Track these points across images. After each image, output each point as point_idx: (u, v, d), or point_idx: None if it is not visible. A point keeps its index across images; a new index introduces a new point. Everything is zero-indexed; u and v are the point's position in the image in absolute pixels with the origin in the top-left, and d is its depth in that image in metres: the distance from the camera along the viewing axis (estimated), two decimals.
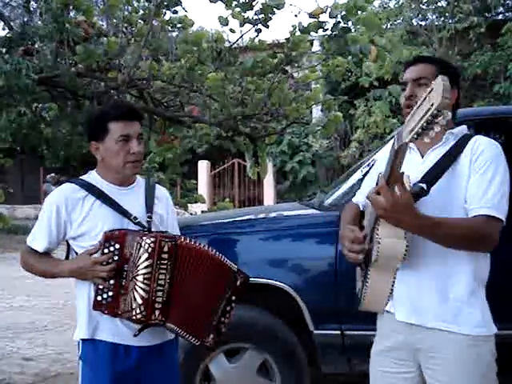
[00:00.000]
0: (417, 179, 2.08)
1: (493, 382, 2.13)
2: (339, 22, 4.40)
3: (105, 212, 2.39)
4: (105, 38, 4.57)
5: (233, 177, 19.05)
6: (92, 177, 2.49)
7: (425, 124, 1.67)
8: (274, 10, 4.34)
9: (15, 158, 5.14)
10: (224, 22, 4.48)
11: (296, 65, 4.92)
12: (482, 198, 2.04)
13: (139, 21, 4.57)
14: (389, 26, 15.07)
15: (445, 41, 14.60)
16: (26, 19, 4.50)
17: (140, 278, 2.25)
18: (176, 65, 4.65)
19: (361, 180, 3.62)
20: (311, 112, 12.46)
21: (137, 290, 2.25)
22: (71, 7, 4.11)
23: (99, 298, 2.31)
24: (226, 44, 4.72)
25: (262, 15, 4.35)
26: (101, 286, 2.30)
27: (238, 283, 2.46)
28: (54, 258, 2.50)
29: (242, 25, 4.43)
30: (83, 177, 2.50)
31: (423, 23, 15.67)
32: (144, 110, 4.68)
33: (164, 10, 4.45)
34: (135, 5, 4.60)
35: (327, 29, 4.46)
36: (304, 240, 3.60)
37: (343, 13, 4.35)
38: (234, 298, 2.46)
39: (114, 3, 4.39)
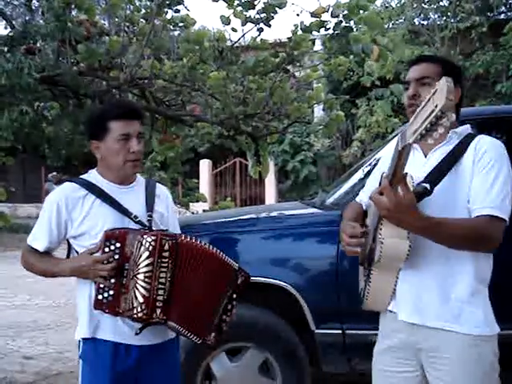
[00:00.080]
0: (420, 179, 2.08)
1: (495, 382, 2.13)
2: (341, 22, 4.39)
3: (105, 211, 2.39)
4: (107, 37, 4.57)
5: (234, 176, 19.06)
6: (92, 176, 2.49)
7: (429, 125, 1.66)
8: (276, 9, 4.33)
9: (17, 157, 5.15)
10: (226, 21, 4.48)
11: (298, 64, 4.91)
12: (485, 197, 2.04)
13: (141, 20, 4.56)
14: (391, 26, 15.06)
15: (447, 40, 14.58)
16: (27, 18, 4.51)
17: (141, 276, 2.25)
18: (178, 64, 4.65)
19: (362, 179, 3.63)
20: (313, 111, 12.45)
21: (138, 289, 2.25)
22: (73, 6, 4.11)
23: (100, 296, 2.30)
24: (228, 43, 4.71)
25: (264, 14, 4.35)
26: (102, 285, 2.30)
27: (239, 281, 2.46)
28: (55, 257, 2.49)
29: (243, 24, 4.43)
30: (83, 176, 2.50)
31: (425, 23, 15.65)
32: (146, 109, 4.68)
33: (166, 9, 4.45)
34: (137, 4, 4.60)
35: (329, 28, 4.45)
36: (306, 239, 3.60)
37: (345, 12, 4.34)
38: (235, 296, 2.46)
39: (116, 2, 4.38)
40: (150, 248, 2.25)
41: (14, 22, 4.51)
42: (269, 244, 3.66)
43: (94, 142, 2.44)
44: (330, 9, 4.36)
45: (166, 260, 2.28)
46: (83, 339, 2.40)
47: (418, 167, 2.15)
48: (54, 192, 2.47)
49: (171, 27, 4.78)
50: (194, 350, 3.36)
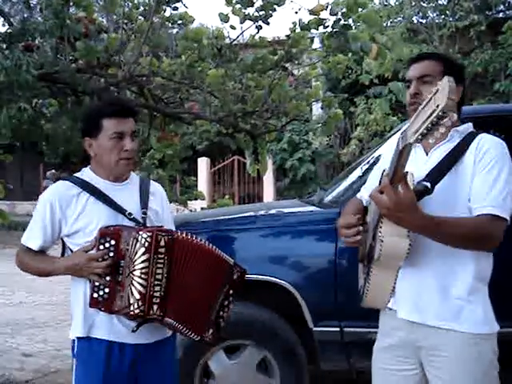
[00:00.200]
0: (421, 177, 2.08)
1: (494, 380, 2.13)
2: (340, 20, 4.39)
3: (99, 208, 2.38)
4: (105, 35, 4.56)
5: (232, 174, 19.05)
6: (86, 174, 2.49)
7: (430, 125, 1.66)
8: (275, 6, 4.33)
9: (15, 154, 5.14)
10: (224, 18, 4.48)
11: (296, 62, 4.91)
12: (487, 196, 2.04)
13: (139, 17, 4.56)
14: (389, 24, 15.06)
15: (445, 39, 14.58)
16: (26, 15, 4.49)
17: (137, 272, 2.24)
18: (176, 61, 4.64)
19: (361, 177, 3.63)
20: (311, 109, 12.46)
21: (134, 285, 2.24)
22: (71, 3, 4.10)
23: (95, 295, 2.29)
24: (227, 41, 4.71)
25: (263, 12, 4.35)
26: (97, 283, 2.29)
27: (235, 277, 2.46)
28: (49, 255, 2.49)
29: (242, 21, 4.43)
30: (77, 174, 2.49)
31: (424, 21, 15.64)
32: (144, 107, 4.68)
33: (164, 7, 4.44)
34: (135, 1, 4.59)
35: (328, 26, 4.45)
36: (304, 237, 3.60)
37: (344, 10, 4.34)
38: (231, 292, 2.46)
39: None
40: (146, 244, 2.24)
41: (12, 19, 4.50)
42: (267, 242, 3.66)
43: (87, 139, 2.44)
44: (329, 7, 4.36)
45: (162, 256, 2.27)
46: (78, 338, 2.39)
47: (419, 165, 2.15)
48: (47, 191, 2.46)
49: (170, 25, 4.77)
50: (193, 348, 3.36)
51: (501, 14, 15.60)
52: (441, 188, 2.06)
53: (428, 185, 2.04)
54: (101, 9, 4.93)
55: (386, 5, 15.95)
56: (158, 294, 2.26)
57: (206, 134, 5.26)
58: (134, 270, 2.24)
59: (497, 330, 2.13)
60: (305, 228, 3.62)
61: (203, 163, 18.96)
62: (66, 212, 2.38)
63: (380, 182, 2.00)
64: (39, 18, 4.29)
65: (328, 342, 3.46)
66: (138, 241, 2.25)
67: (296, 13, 4.54)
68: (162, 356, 2.47)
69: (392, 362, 2.22)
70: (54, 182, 2.64)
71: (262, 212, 4.35)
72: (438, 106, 1.62)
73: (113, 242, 2.29)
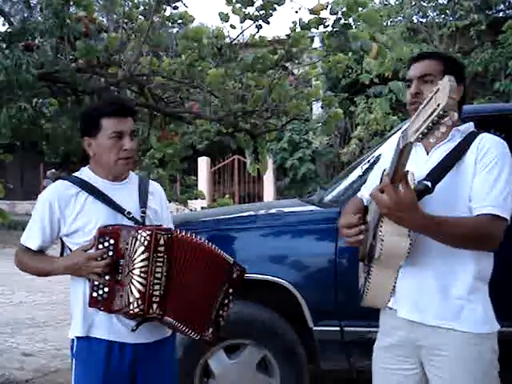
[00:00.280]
0: (421, 176, 2.08)
1: (494, 380, 2.13)
2: (340, 19, 4.39)
3: (98, 208, 2.38)
4: (105, 34, 4.56)
5: (233, 173, 19.05)
6: (84, 173, 2.48)
7: (430, 124, 1.66)
8: (275, 6, 4.33)
9: (15, 154, 5.14)
10: (224, 17, 4.48)
11: (296, 61, 4.91)
12: (487, 196, 2.03)
13: (140, 16, 4.56)
14: (389, 23, 15.05)
15: (445, 38, 14.58)
16: (26, 14, 4.49)
17: (136, 271, 2.24)
18: (176, 61, 4.64)
19: (361, 177, 3.63)
20: (311, 109, 12.45)
21: (133, 284, 2.23)
22: (71, 3, 4.10)
23: (95, 294, 2.29)
24: (227, 40, 4.71)
25: (263, 11, 4.34)
26: (96, 282, 2.29)
27: (235, 276, 2.45)
28: (49, 255, 2.48)
29: (242, 21, 4.43)
30: (75, 174, 2.49)
31: (424, 20, 15.63)
32: (144, 106, 4.67)
33: (164, 6, 4.44)
34: (135, 0, 4.59)
35: (328, 25, 4.45)
36: (304, 236, 3.60)
37: (344, 9, 4.34)
38: (231, 290, 2.45)
39: None
40: (146, 243, 2.24)
41: (12, 19, 4.50)
42: (267, 241, 3.66)
43: (86, 138, 2.44)
44: (329, 6, 4.36)
45: (162, 255, 2.27)
46: (77, 337, 2.38)
47: (419, 164, 2.15)
48: (45, 190, 2.46)
49: (170, 24, 4.77)
50: (193, 347, 3.36)
51: (501, 14, 15.60)
52: (441, 187, 2.06)
53: (429, 184, 2.04)
54: (101, 8, 4.94)
55: (386, 4, 15.95)
56: (157, 293, 2.26)
57: (206, 134, 5.24)
58: (134, 269, 2.24)
59: (497, 330, 2.13)
60: (305, 227, 3.62)
61: (203, 162, 18.96)
62: (65, 212, 2.38)
63: (381, 181, 2.00)
64: (39, 18, 4.28)
65: (328, 341, 3.46)
66: (137, 239, 2.25)
67: (296, 12, 4.54)
68: (162, 356, 2.47)
69: (392, 362, 2.22)
70: (54, 181, 2.64)
71: (262, 211, 4.35)
72: (438, 105, 1.62)
73: (112, 241, 2.29)
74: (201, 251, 2.37)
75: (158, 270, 2.26)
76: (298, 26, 4.51)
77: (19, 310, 7.58)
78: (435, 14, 15.60)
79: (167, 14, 4.58)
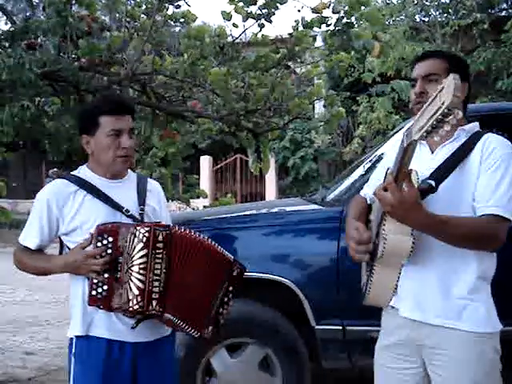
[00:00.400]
0: (425, 175, 2.07)
1: (497, 379, 2.13)
2: (342, 18, 4.38)
3: (96, 206, 2.38)
4: (108, 33, 4.56)
5: (235, 172, 19.05)
6: (82, 172, 2.48)
7: (435, 123, 1.65)
8: (277, 4, 4.33)
9: (18, 152, 5.14)
10: (227, 16, 4.47)
11: (299, 60, 4.91)
12: (491, 197, 2.03)
13: (142, 15, 4.56)
14: (392, 22, 15.02)
15: (448, 37, 14.54)
16: (28, 13, 4.50)
17: (135, 268, 2.22)
18: (179, 59, 4.64)
19: (363, 176, 3.63)
20: (314, 108, 12.45)
21: (133, 281, 2.22)
22: (74, 1, 4.10)
23: (94, 292, 2.28)
24: (229, 39, 4.70)
25: (266, 10, 4.34)
26: (95, 281, 2.28)
27: (235, 273, 2.45)
28: (47, 254, 2.48)
29: (245, 20, 4.42)
30: (73, 172, 2.49)
31: (426, 19, 15.60)
32: (146, 105, 4.68)
33: (167, 5, 4.44)
34: None
35: (330, 24, 4.44)
36: (306, 235, 3.60)
37: (346, 8, 4.34)
38: (231, 288, 2.44)
39: None
40: (144, 239, 2.23)
41: (15, 18, 4.50)
42: (269, 240, 3.66)
43: (84, 136, 2.43)
44: (331, 5, 4.35)
45: (161, 251, 2.25)
46: (76, 336, 2.37)
47: (424, 163, 2.14)
48: (43, 189, 2.45)
49: (172, 23, 4.77)
50: (195, 346, 3.36)
51: (504, 13, 15.56)
52: (445, 187, 2.05)
53: (432, 183, 2.03)
54: (103, 7, 4.93)
55: (388, 3, 15.91)
56: (156, 290, 2.24)
57: (208, 132, 5.24)
58: (133, 266, 2.23)
59: (499, 329, 2.13)
60: (307, 226, 3.62)
61: (205, 161, 18.96)
62: (63, 210, 2.37)
63: (384, 179, 2.00)
64: (42, 17, 4.29)
65: (330, 340, 3.46)
66: (135, 236, 2.24)
67: (299, 11, 4.53)
68: (162, 354, 2.46)
69: (394, 361, 2.22)
70: None
71: (265, 210, 4.35)
72: (443, 103, 1.62)
73: (110, 239, 2.28)
74: (200, 248, 2.36)
75: (157, 266, 2.25)
76: (300, 24, 4.51)
77: (21, 309, 7.59)
78: (438, 12, 15.57)
79: (170, 12, 4.58)
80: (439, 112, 1.63)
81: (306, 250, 3.54)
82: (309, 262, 3.53)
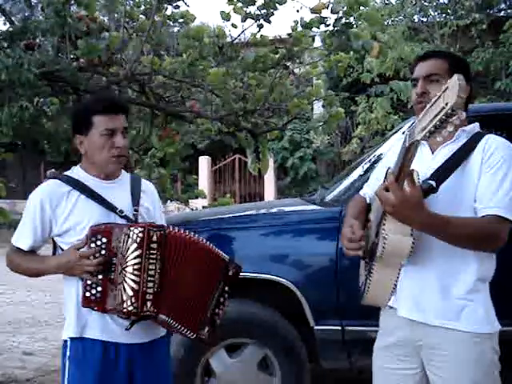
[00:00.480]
0: (426, 175, 2.07)
1: (496, 380, 2.13)
2: (341, 18, 4.38)
3: (90, 206, 2.36)
4: (106, 33, 4.56)
5: (234, 172, 19.03)
6: (75, 172, 2.46)
7: (438, 123, 1.65)
8: (276, 5, 4.33)
9: (17, 153, 5.14)
10: (226, 17, 4.47)
11: (298, 60, 4.91)
12: (492, 198, 2.03)
13: (141, 16, 4.56)
14: (390, 23, 15.02)
15: (446, 37, 14.54)
16: (27, 14, 4.49)
17: (129, 269, 2.21)
18: (177, 60, 4.63)
19: (362, 176, 3.63)
20: (312, 108, 12.45)
21: (127, 282, 2.20)
22: (73, 1, 4.10)
23: (88, 293, 2.26)
24: (228, 39, 4.70)
25: (264, 10, 4.34)
26: (89, 282, 2.26)
27: (231, 273, 2.44)
28: (40, 255, 2.46)
29: (243, 20, 4.42)
30: (67, 172, 2.46)
31: (425, 19, 15.61)
32: (145, 105, 4.67)
33: (166, 5, 4.44)
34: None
35: (329, 24, 4.45)
36: (305, 235, 3.60)
37: (345, 8, 4.34)
38: (226, 288, 2.43)
39: None
40: (138, 240, 2.21)
41: (13, 18, 4.50)
42: (268, 240, 3.66)
43: (77, 136, 2.41)
44: (330, 5, 4.35)
45: (155, 251, 2.24)
46: (71, 338, 2.35)
47: (424, 163, 2.14)
48: (36, 190, 2.42)
49: (171, 23, 4.76)
50: (194, 346, 3.36)
51: (502, 13, 15.56)
52: (446, 187, 2.05)
53: (433, 183, 2.03)
54: (102, 7, 4.92)
55: (387, 3, 15.91)
56: (151, 291, 2.22)
57: (207, 133, 5.24)
58: (127, 267, 2.21)
59: (498, 330, 2.13)
60: (306, 226, 3.62)
61: (204, 162, 18.94)
62: (57, 211, 2.35)
63: (385, 179, 1.99)
64: (40, 17, 4.28)
65: (329, 340, 3.46)
66: (129, 237, 2.22)
67: (297, 11, 4.53)
68: (157, 355, 2.45)
69: (392, 361, 2.22)
70: None
71: (264, 211, 4.35)
72: (447, 104, 1.62)
73: (104, 240, 2.27)
74: (195, 248, 2.35)
75: (152, 267, 2.23)
76: (299, 25, 4.51)
77: (20, 309, 7.58)
78: (436, 13, 15.57)
79: (168, 13, 4.58)
80: (443, 112, 1.63)
81: (305, 250, 3.54)
82: (308, 263, 3.53)
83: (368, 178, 2.55)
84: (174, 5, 4.47)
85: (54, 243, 2.43)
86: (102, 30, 4.46)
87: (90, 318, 2.33)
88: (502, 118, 3.60)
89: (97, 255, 2.25)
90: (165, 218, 2.68)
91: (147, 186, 2.60)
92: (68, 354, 2.36)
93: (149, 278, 2.22)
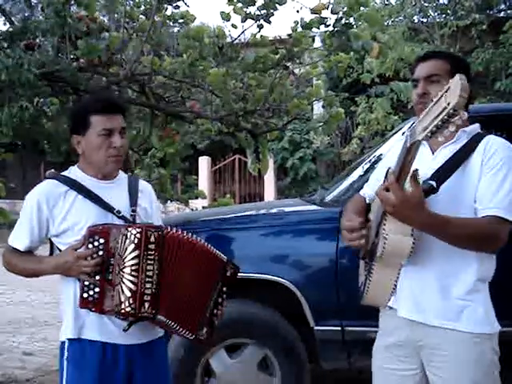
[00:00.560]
0: (426, 176, 2.07)
1: (496, 380, 2.13)
2: (341, 18, 4.38)
3: (88, 207, 2.35)
4: (106, 33, 4.56)
5: (233, 173, 19.04)
6: (73, 172, 2.45)
7: (440, 123, 1.65)
8: (276, 5, 4.33)
9: (17, 153, 5.14)
10: (226, 17, 4.47)
11: (298, 61, 4.90)
12: (492, 198, 2.04)
13: (141, 16, 4.56)
14: (390, 23, 15.03)
15: (446, 38, 14.55)
16: (27, 14, 4.49)
17: (127, 270, 2.19)
18: (177, 60, 4.63)
19: (362, 176, 3.64)
20: (312, 109, 12.46)
21: (125, 283, 2.19)
22: (73, 2, 4.09)
23: (85, 294, 2.25)
24: (228, 39, 4.70)
25: (264, 11, 4.34)
26: (87, 283, 2.25)
27: (229, 274, 2.43)
28: (37, 255, 2.45)
29: (243, 20, 4.42)
30: (64, 172, 2.46)
31: (425, 20, 15.62)
32: (145, 106, 4.67)
33: (166, 5, 4.44)
34: (137, 0, 4.59)
35: (329, 25, 4.44)
36: (305, 236, 3.60)
37: (345, 9, 4.34)
38: (225, 289, 2.43)
39: None
40: (136, 240, 2.20)
41: (13, 18, 4.50)
42: (268, 241, 3.66)
43: (75, 136, 2.41)
44: (330, 5, 4.35)
45: (153, 252, 2.22)
46: (69, 340, 2.34)
47: (424, 163, 2.14)
48: (34, 190, 2.41)
49: (171, 23, 4.76)
50: (194, 347, 3.36)
51: (502, 14, 15.59)
52: (446, 188, 2.05)
53: (433, 184, 2.03)
54: (102, 7, 4.92)
55: (387, 4, 15.93)
56: (149, 292, 2.21)
57: (207, 133, 5.23)
58: (124, 268, 2.20)
59: (498, 330, 2.13)
60: (306, 227, 3.62)
61: (204, 162, 18.95)
62: (54, 211, 2.34)
63: (385, 179, 1.99)
64: (40, 17, 4.28)
65: (329, 340, 3.46)
66: (127, 237, 2.21)
67: (297, 12, 4.53)
68: (156, 356, 2.45)
69: (392, 361, 2.21)
70: None
71: (263, 211, 4.35)
72: (449, 104, 1.61)
73: (102, 241, 2.26)
74: (193, 249, 2.35)
75: (150, 267, 2.22)
76: (299, 25, 4.51)
77: (20, 310, 7.58)
78: (436, 13, 15.59)
79: (168, 13, 4.58)
80: (444, 112, 1.63)
81: (305, 250, 3.54)
82: (308, 263, 3.54)
83: (368, 179, 2.55)
84: (174, 5, 4.47)
85: (51, 244, 2.42)
86: (101, 30, 4.46)
87: (87, 319, 2.32)
88: (502, 118, 3.59)
89: (94, 256, 2.24)
90: (165, 218, 2.67)
91: (144, 186, 2.59)
92: (66, 354, 2.35)
93: (147, 279, 2.21)
